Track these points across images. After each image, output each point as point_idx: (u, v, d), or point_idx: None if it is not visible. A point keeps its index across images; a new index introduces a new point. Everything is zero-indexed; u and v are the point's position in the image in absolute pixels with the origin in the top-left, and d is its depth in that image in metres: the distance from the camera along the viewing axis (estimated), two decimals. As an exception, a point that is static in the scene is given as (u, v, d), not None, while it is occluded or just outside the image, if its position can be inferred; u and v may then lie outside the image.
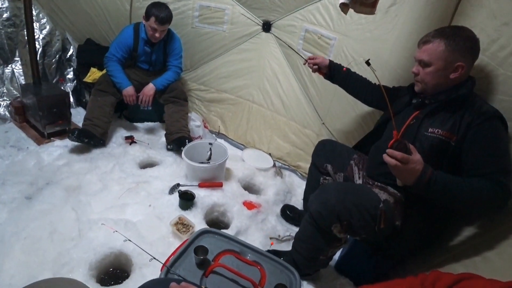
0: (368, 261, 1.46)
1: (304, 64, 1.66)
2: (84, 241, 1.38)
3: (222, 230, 1.30)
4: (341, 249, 1.53)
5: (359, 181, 1.47)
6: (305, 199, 1.78)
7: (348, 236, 1.29)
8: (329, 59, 1.62)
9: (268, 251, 1.45)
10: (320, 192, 1.25)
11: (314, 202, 1.23)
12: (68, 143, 2.04)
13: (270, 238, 1.68)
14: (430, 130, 1.17)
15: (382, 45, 1.69)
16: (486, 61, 1.24)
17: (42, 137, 2.14)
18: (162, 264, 1.09)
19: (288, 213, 1.88)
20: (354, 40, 1.81)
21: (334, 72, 1.61)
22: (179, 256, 1.13)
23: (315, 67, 1.59)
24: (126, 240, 1.18)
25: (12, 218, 1.49)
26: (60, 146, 2.04)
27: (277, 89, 2.29)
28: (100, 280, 1.34)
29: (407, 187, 1.07)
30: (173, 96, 2.23)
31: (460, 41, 1.11)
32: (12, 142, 2.07)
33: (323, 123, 2.16)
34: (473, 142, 1.09)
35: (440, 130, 1.15)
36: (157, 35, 2.06)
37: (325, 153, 1.62)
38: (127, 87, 2.14)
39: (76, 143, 2.01)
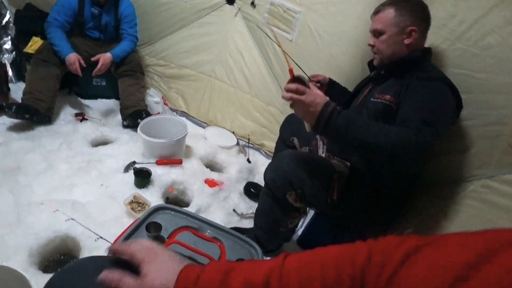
0: (328, 234, 1.48)
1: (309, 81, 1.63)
2: (23, 226, 1.23)
3: (179, 207, 1.23)
4: (301, 222, 1.53)
5: (323, 155, 1.46)
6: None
7: (308, 208, 1.28)
8: (329, 77, 1.57)
9: (232, 228, 1.41)
10: (275, 160, 1.25)
11: (268, 170, 1.22)
12: (5, 120, 1.81)
13: (234, 211, 1.65)
14: (376, 95, 1.16)
15: (347, 20, 1.66)
16: (444, 36, 1.25)
17: (-25, 114, 1.88)
18: (111, 244, 1.00)
19: (252, 190, 1.85)
20: (320, 14, 1.76)
21: (332, 89, 1.56)
22: (129, 234, 1.04)
23: (318, 84, 1.53)
24: (68, 219, 1.06)
25: None
26: (-4, 123, 1.81)
27: (241, 65, 2.19)
28: (44, 268, 1.21)
29: (313, 130, 0.98)
30: (129, 69, 2.06)
31: (409, 6, 1.12)
32: None
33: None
34: (405, 98, 1.05)
35: (384, 95, 1.12)
36: None
37: (292, 126, 1.59)
38: (69, 54, 1.88)
39: (15, 120, 1.79)
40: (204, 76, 2.34)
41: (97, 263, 0.56)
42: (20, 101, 1.85)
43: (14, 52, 2.35)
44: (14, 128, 1.80)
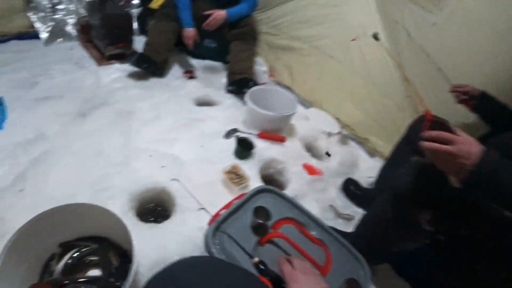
0: (434, 267, 1.15)
1: (450, 91, 1.31)
2: (129, 169, 1.25)
3: (286, 194, 1.06)
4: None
5: None
6: (382, 177, 1.48)
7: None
8: (482, 90, 1.23)
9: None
10: (416, 166, 0.96)
11: (404, 176, 0.95)
12: (126, 67, 1.92)
13: (331, 207, 1.45)
14: None
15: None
16: None
17: (103, 58, 2.04)
18: (210, 216, 0.89)
19: (352, 188, 1.60)
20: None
21: (486, 106, 1.22)
22: (232, 212, 0.92)
23: (464, 97, 1.24)
24: (174, 179, 0.99)
25: (64, 131, 1.42)
26: (119, 69, 1.93)
27: (361, 45, 1.87)
28: (138, 213, 1.21)
29: (464, 185, 0.72)
30: (244, 32, 1.95)
31: None
32: (75, 60, 2.01)
33: (409, 95, 1.76)
34: None
35: None
36: None
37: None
38: (189, 27, 1.90)
39: (134, 69, 1.87)
40: (317, 51, 2.10)
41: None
42: (141, 51, 1.93)
43: (140, 8, 2.49)
44: (132, 76, 1.89)
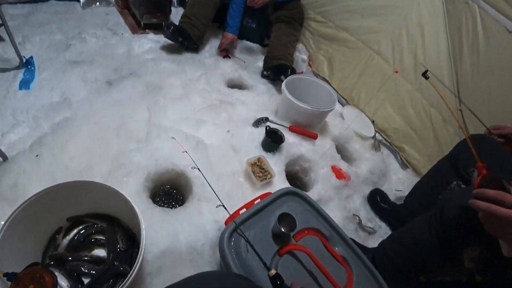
0: None
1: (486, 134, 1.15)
2: (149, 147, 1.17)
3: (314, 201, 0.94)
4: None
5: None
6: (414, 195, 1.34)
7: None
8: None
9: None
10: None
11: (455, 206, 0.83)
12: (160, 38, 1.84)
13: (355, 216, 1.33)
14: None
15: None
16: None
17: (138, 27, 1.98)
18: (227, 213, 0.79)
19: (378, 200, 1.45)
20: None
21: None
22: (253, 214, 0.81)
23: (501, 139, 1.08)
24: (194, 168, 0.90)
25: (89, 99, 1.37)
26: (153, 40, 1.85)
27: (416, 45, 1.65)
28: (152, 194, 1.14)
29: None
30: (289, 15, 1.79)
31: None
32: (110, 25, 1.95)
33: (460, 110, 1.54)
34: None
35: None
36: None
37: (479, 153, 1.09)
38: (232, 33, 1.89)
39: (168, 41, 1.78)
40: (363, 46, 1.89)
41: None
42: (177, 23, 1.83)
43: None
44: (166, 48, 1.81)
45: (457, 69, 1.55)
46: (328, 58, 2.07)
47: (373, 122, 1.86)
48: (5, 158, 1.02)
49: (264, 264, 0.71)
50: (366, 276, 0.86)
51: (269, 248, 0.78)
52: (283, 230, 0.77)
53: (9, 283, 0.59)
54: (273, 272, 0.68)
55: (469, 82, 1.51)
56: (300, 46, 2.06)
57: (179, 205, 1.15)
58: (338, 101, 1.98)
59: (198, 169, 0.88)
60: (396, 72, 1.73)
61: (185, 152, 0.95)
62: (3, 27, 1.32)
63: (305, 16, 2.10)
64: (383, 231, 1.40)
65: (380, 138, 1.84)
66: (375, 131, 1.81)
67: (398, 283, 1.00)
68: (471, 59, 1.48)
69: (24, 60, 1.43)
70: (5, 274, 0.60)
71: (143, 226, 0.78)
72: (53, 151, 1.07)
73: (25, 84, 1.34)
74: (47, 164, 1.03)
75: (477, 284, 0.95)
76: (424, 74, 1.04)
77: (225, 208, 0.77)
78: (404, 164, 1.77)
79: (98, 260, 0.88)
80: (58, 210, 0.87)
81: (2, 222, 0.70)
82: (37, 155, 1.04)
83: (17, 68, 1.41)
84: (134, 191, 1.03)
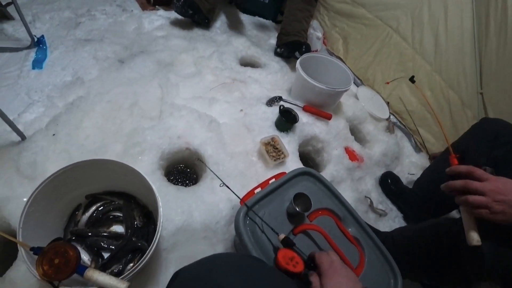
0: None
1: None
2: (162, 126, 1.17)
3: (325, 178, 0.92)
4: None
5: None
6: (421, 180, 1.35)
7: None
8: None
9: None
10: None
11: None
12: (171, 15, 1.79)
13: (367, 198, 1.33)
14: None
15: None
16: None
17: (148, 3, 1.92)
18: (234, 195, 0.79)
19: (389, 183, 1.44)
20: None
21: None
22: (268, 193, 0.81)
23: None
24: (198, 160, 0.89)
25: (101, 77, 1.35)
26: (163, 17, 1.80)
27: (437, 24, 1.56)
28: (167, 173, 1.15)
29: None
30: (304, -11, 1.71)
31: None
32: (119, 2, 1.90)
33: (481, 93, 1.47)
34: None
35: None
36: None
37: (491, 143, 0.97)
38: None
39: (179, 17, 1.73)
40: (381, 23, 1.80)
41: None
42: None
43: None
44: (176, 24, 1.76)
45: (481, 50, 1.47)
46: (344, 36, 1.99)
47: (388, 103, 1.81)
48: (23, 138, 1.04)
49: (273, 230, 0.71)
50: (378, 257, 0.86)
51: (283, 227, 0.78)
52: (298, 209, 0.76)
53: (36, 257, 0.61)
54: (282, 236, 0.69)
55: (493, 65, 1.43)
56: (314, 23, 1.97)
57: (192, 184, 1.16)
58: (354, 80, 1.92)
59: (201, 161, 0.87)
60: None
61: (198, 128, 0.94)
62: (12, 5, 1.30)
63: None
64: (394, 214, 1.40)
65: (395, 120, 1.80)
66: (390, 113, 1.76)
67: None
68: (498, 39, 1.39)
69: (36, 39, 1.42)
70: (32, 248, 0.62)
71: (160, 203, 0.78)
72: (69, 130, 1.08)
73: (38, 64, 1.34)
74: (63, 142, 1.05)
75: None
76: (411, 79, 1.08)
77: (237, 195, 0.78)
78: (418, 147, 1.74)
79: (116, 236, 0.91)
80: (77, 188, 0.89)
81: (25, 199, 0.72)
82: (53, 134, 1.05)
83: (29, 47, 1.40)
84: (149, 170, 1.04)
